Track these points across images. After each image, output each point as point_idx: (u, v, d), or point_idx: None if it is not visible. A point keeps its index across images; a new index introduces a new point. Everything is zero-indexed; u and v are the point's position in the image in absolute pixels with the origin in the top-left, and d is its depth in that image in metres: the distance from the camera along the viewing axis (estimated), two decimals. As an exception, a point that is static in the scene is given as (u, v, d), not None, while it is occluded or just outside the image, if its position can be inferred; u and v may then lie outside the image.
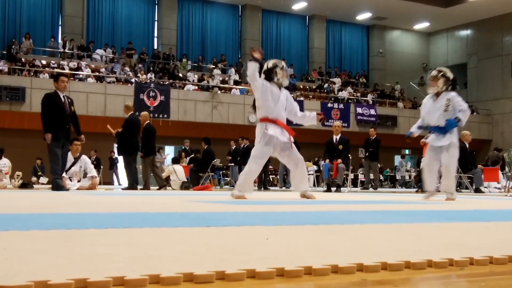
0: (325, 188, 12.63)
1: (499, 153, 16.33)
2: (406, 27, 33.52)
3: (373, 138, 15.52)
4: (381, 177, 26.75)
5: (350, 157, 12.77)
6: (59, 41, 25.57)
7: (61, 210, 3.46)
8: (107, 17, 27.21)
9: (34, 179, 17.69)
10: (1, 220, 2.55)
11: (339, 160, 11.98)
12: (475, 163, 13.79)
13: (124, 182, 23.25)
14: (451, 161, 6.51)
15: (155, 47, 28.07)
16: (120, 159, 22.71)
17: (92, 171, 11.00)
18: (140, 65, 25.20)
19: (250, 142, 17.56)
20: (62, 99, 9.11)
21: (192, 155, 16.28)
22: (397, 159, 29.74)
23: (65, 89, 9.19)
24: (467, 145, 13.56)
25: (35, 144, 20.57)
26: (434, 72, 6.64)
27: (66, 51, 24.48)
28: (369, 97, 28.78)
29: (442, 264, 1.35)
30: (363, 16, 31.42)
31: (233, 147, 18.05)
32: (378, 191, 14.52)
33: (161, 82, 23.21)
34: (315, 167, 20.84)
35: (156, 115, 21.88)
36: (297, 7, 30.08)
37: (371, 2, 29.24)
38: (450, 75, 6.58)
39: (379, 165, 17.63)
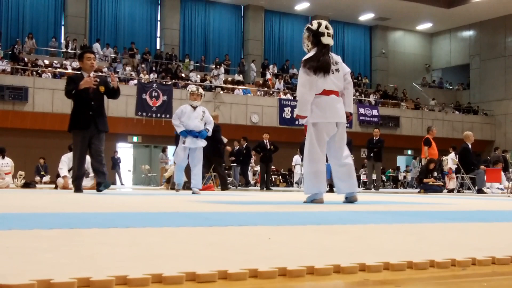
0: (327, 189, 12.63)
1: (500, 153, 16.32)
2: (408, 27, 33.50)
3: (377, 138, 15.50)
4: (383, 178, 26.76)
5: (353, 158, 12.76)
6: (62, 41, 25.62)
7: (64, 209, 3.46)
8: (110, 17, 27.25)
9: (37, 178, 17.65)
10: (4, 219, 2.55)
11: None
12: (477, 164, 13.78)
13: (126, 182, 23.37)
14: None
15: (158, 47, 28.11)
16: (123, 159, 22.82)
17: (95, 171, 11.00)
18: (142, 65, 25.24)
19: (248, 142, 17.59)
20: None
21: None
22: (400, 159, 29.73)
23: (92, 68, 7.54)
24: (470, 146, 13.55)
25: (37, 143, 20.63)
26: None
27: (69, 51, 24.52)
28: (372, 98, 28.77)
29: (445, 264, 1.35)
30: (366, 17, 31.41)
31: (236, 148, 18.06)
32: (380, 191, 14.51)
33: (164, 82, 23.25)
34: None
35: (158, 115, 21.92)
36: (300, 7, 30.08)
37: (373, 3, 29.24)
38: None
39: (381, 166, 17.64)
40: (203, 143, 8.62)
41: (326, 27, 5.21)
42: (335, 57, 5.21)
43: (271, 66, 29.10)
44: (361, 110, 26.63)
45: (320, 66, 5.03)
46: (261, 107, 24.52)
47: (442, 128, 27.99)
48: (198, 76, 25.69)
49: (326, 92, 5.07)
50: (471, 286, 1.19)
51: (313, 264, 1.26)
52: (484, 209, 4.57)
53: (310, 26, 5.24)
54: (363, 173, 22.77)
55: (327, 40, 5.15)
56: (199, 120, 8.57)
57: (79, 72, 7.77)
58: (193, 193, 8.39)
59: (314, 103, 5.10)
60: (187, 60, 27.24)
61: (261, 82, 27.77)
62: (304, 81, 5.04)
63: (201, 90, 8.85)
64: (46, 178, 18.01)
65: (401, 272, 1.30)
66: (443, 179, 14.94)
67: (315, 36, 5.17)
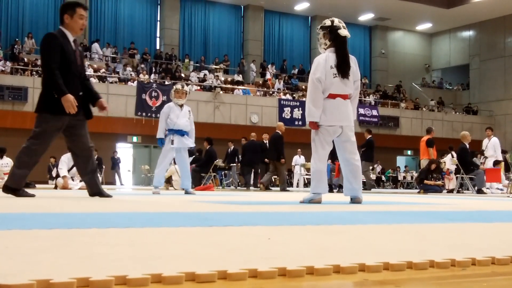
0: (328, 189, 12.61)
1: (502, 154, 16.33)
2: (408, 28, 33.52)
3: (367, 138, 15.47)
4: (383, 178, 26.76)
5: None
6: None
7: (63, 209, 3.46)
8: (109, 17, 27.26)
9: (59, 180, 16.62)
10: (3, 219, 2.55)
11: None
12: (476, 163, 13.77)
13: (126, 182, 23.38)
14: None
15: (158, 47, 28.11)
16: (122, 159, 22.80)
17: (94, 171, 10.99)
18: (142, 65, 25.24)
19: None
20: (73, 45, 5.46)
21: (194, 156, 16.28)
22: (399, 159, 29.74)
23: (81, 31, 5.61)
24: (468, 146, 13.57)
25: (37, 144, 20.60)
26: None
27: (69, 51, 24.49)
28: (372, 98, 28.77)
29: (444, 265, 1.35)
30: (366, 17, 31.42)
31: (231, 148, 18.09)
32: (379, 191, 14.50)
33: (164, 82, 23.24)
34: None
35: (158, 115, 21.84)
36: (300, 7, 30.08)
37: (373, 3, 29.25)
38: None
39: (371, 166, 17.57)
40: (190, 142, 8.46)
41: (339, 22, 5.24)
42: (351, 60, 5.19)
43: (269, 65, 29.10)
44: (361, 111, 26.64)
45: (337, 66, 5.01)
46: (261, 107, 24.53)
47: (441, 128, 28.01)
48: (198, 77, 25.68)
49: (332, 96, 5.06)
50: (471, 286, 1.19)
51: (313, 264, 1.26)
52: (483, 209, 4.57)
53: (323, 25, 5.25)
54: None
55: (344, 32, 5.17)
56: (187, 119, 8.45)
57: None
58: (187, 193, 8.31)
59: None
60: (186, 60, 27.24)
61: (260, 82, 27.78)
62: (313, 90, 5.00)
63: (186, 88, 8.75)
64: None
65: (401, 272, 1.29)
66: (443, 179, 14.95)
67: (332, 31, 5.17)
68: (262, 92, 26.15)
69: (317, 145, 5.09)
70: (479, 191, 12.84)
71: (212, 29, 29.40)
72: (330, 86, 5.03)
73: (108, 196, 5.65)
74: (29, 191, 5.70)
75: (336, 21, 5.21)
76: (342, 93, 5.08)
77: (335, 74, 5.02)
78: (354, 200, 5.18)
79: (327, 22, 5.23)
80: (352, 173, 5.15)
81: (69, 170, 10.74)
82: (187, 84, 23.95)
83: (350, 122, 5.15)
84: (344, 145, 5.15)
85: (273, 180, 21.54)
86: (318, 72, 5.00)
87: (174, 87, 8.69)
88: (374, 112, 27.03)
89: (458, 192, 13.87)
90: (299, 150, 20.80)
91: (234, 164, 17.92)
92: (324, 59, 5.05)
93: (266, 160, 15.08)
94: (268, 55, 30.56)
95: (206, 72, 26.20)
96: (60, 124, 5.33)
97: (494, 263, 1.42)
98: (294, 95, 26.29)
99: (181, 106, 8.46)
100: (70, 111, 5.17)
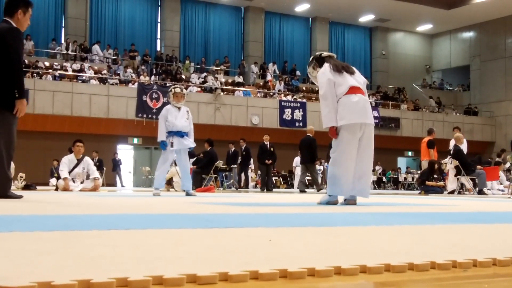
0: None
1: (506, 155, 16.39)
2: (409, 29, 33.51)
3: None
4: (384, 179, 26.74)
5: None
6: (62, 42, 25.62)
7: (64, 211, 3.46)
8: (110, 19, 27.26)
9: (60, 182, 16.81)
10: (5, 221, 2.55)
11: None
12: (474, 165, 13.76)
13: (126, 184, 23.38)
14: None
15: (158, 49, 28.11)
16: (123, 161, 22.81)
17: (95, 173, 11.01)
18: (143, 67, 25.24)
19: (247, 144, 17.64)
20: None
21: (196, 157, 16.29)
22: (400, 161, 29.72)
23: (27, 26, 5.51)
24: (462, 147, 13.59)
25: (38, 145, 20.63)
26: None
27: (69, 53, 24.52)
28: (372, 99, 28.76)
29: (446, 266, 1.35)
30: (366, 18, 31.41)
31: (232, 149, 18.12)
32: (381, 193, 14.48)
33: (164, 84, 23.24)
34: (321, 168, 20.87)
35: (158, 117, 21.86)
36: (300, 9, 30.08)
37: (374, 4, 29.24)
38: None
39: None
40: (190, 143, 8.40)
41: (320, 52, 5.65)
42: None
43: (270, 65, 29.10)
44: (362, 112, 26.61)
45: (341, 65, 5.19)
46: (262, 109, 24.53)
47: (442, 129, 27.99)
48: (200, 79, 25.65)
49: (353, 90, 5.03)
50: None
51: (314, 265, 1.26)
52: (485, 211, 4.56)
53: (308, 63, 5.58)
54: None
55: (327, 54, 5.46)
56: (185, 119, 8.40)
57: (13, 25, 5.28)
58: (188, 194, 8.29)
59: (341, 103, 5.03)
60: (187, 62, 27.24)
61: (261, 83, 27.78)
62: (326, 92, 5.01)
63: (184, 91, 8.73)
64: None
65: (402, 273, 1.29)
66: (444, 180, 14.94)
67: (318, 59, 5.45)
68: (262, 94, 26.15)
69: (345, 147, 4.97)
70: (480, 192, 12.83)
71: (213, 30, 29.40)
72: (343, 81, 5.03)
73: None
74: (30, 193, 5.68)
75: (317, 53, 5.58)
76: (358, 85, 5.08)
77: (341, 71, 5.10)
78: (348, 202, 5.11)
79: (310, 58, 5.60)
80: (360, 174, 5.07)
81: (70, 172, 10.74)
82: (188, 86, 23.97)
83: (371, 120, 5.17)
84: (360, 144, 5.05)
85: (274, 181, 21.57)
86: (326, 75, 5.05)
87: (173, 90, 8.64)
88: (375, 113, 27.00)
89: (459, 193, 13.87)
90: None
91: (235, 166, 17.94)
92: (327, 66, 5.17)
93: (267, 161, 15.13)
94: (268, 57, 30.56)
95: (207, 73, 26.21)
96: (16, 122, 5.32)
97: (495, 264, 1.42)
98: (294, 97, 26.29)
99: (179, 108, 8.46)
100: (20, 114, 5.20)
